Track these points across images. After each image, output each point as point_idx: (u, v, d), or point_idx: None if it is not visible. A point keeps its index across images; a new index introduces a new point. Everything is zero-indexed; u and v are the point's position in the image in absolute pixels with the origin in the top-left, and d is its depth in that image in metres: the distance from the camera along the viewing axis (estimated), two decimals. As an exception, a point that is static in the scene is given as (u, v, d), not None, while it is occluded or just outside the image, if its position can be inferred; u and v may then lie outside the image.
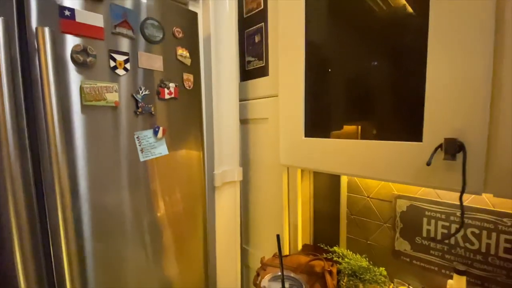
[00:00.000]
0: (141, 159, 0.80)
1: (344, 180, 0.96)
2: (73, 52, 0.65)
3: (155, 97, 0.82)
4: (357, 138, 0.67)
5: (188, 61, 0.91)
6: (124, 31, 0.74)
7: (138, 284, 0.81)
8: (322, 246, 0.99)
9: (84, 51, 0.67)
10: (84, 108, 0.68)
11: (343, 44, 0.73)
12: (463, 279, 0.64)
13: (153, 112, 0.82)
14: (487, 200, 0.66)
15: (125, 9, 0.74)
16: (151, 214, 0.84)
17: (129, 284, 0.79)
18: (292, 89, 0.80)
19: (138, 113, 0.78)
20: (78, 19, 0.66)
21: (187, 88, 0.91)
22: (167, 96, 0.85)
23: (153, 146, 0.83)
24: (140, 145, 0.79)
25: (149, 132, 0.81)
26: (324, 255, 0.90)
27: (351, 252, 0.89)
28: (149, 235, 0.84)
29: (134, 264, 0.80)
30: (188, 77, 0.91)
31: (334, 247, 0.93)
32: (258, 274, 0.82)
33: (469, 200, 0.69)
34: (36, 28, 0.59)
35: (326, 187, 1.02)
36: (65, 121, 0.64)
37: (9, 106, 0.56)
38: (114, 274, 0.76)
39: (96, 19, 0.69)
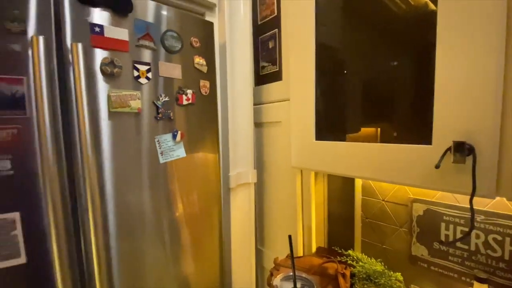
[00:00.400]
0: (161, 161, 0.85)
1: (358, 183, 0.95)
2: (102, 64, 0.72)
3: (174, 103, 0.88)
4: (376, 141, 0.67)
5: (204, 69, 0.96)
6: (147, 43, 0.80)
7: (158, 280, 0.86)
8: (336, 249, 0.98)
9: (111, 63, 0.74)
10: (111, 114, 0.75)
11: (352, 46, 0.74)
12: (485, 287, 0.62)
13: (172, 117, 0.87)
14: (510, 206, 0.63)
15: (148, 23, 0.81)
16: (170, 214, 0.89)
17: (149, 280, 0.84)
18: (303, 92, 0.81)
19: (158, 118, 0.84)
20: (107, 34, 0.73)
21: (204, 94, 0.96)
22: (185, 102, 0.90)
23: (172, 149, 0.88)
24: (160, 148, 0.85)
25: (168, 136, 0.87)
26: (338, 258, 0.89)
27: (366, 256, 0.88)
28: (168, 234, 0.89)
29: (154, 261, 0.85)
30: (204, 84, 0.96)
31: (349, 251, 0.92)
32: (271, 274, 0.84)
33: (489, 205, 0.66)
34: (71, 44, 0.66)
35: (340, 189, 1.02)
36: (94, 127, 0.71)
37: (48, 113, 0.64)
38: (136, 268, 0.81)
39: (122, 33, 0.76)
